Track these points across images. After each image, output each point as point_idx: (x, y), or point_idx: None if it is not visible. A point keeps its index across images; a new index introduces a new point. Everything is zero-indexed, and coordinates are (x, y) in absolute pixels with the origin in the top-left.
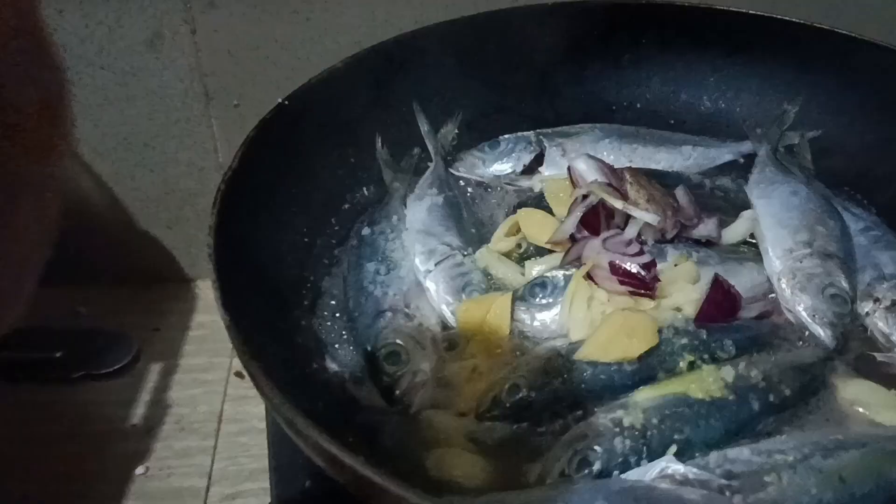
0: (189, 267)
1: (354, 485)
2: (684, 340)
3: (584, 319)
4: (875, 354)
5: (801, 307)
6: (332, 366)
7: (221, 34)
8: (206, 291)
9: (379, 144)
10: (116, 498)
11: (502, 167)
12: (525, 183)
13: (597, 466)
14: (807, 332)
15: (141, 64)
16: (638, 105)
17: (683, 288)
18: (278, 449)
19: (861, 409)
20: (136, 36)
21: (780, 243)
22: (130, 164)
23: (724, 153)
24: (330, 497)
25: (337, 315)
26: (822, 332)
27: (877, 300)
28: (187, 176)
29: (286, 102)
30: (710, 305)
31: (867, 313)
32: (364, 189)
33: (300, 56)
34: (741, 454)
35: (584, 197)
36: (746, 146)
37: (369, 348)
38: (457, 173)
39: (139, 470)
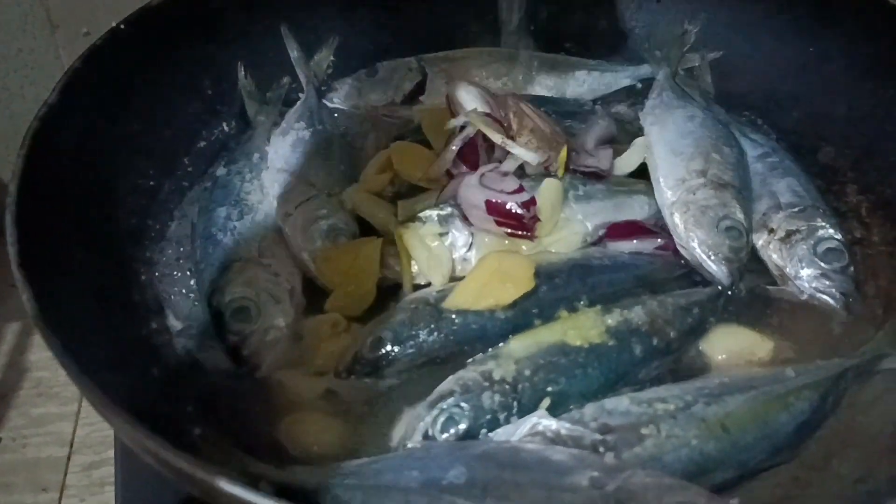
0: None
1: (170, 473)
2: (563, 284)
3: (428, 260)
4: (768, 287)
5: (696, 243)
6: (175, 324)
7: None
8: None
9: (241, 73)
10: None
11: (381, 96)
12: (405, 113)
13: (463, 426)
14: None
15: None
16: (531, 26)
17: (566, 226)
18: None
19: (734, 356)
20: None
21: (672, 173)
22: None
23: (621, 78)
24: None
25: (182, 266)
26: (718, 269)
27: (772, 231)
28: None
29: (122, 27)
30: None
31: (762, 245)
32: (223, 124)
33: None
34: (620, 405)
35: (462, 128)
36: (645, 70)
37: (214, 304)
38: (331, 104)
39: None
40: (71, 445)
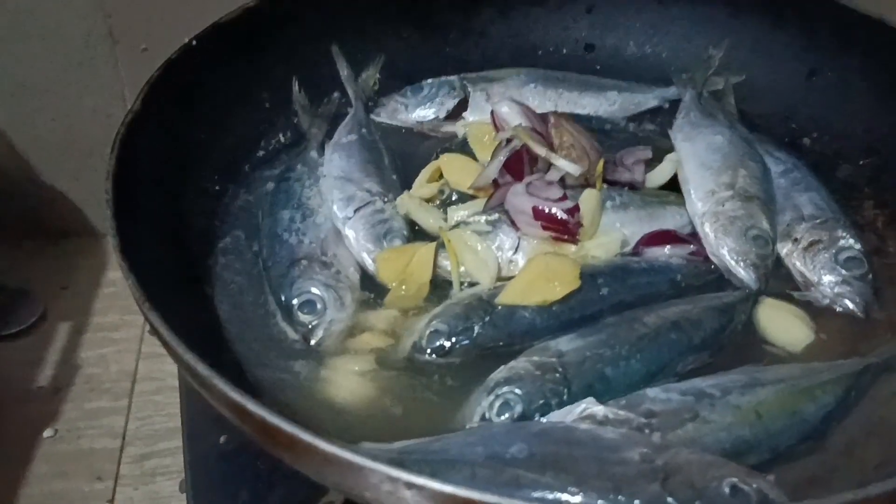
0: (99, 221)
1: (264, 436)
2: (605, 284)
3: (475, 262)
4: (793, 293)
5: (725, 250)
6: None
7: None
8: None
9: (296, 88)
10: (22, 462)
11: (425, 112)
12: (449, 128)
13: (518, 410)
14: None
15: (34, 3)
16: (564, 50)
17: (605, 233)
18: (191, 404)
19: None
20: None
21: (702, 185)
22: (29, 110)
23: (650, 98)
24: (244, 450)
25: (249, 265)
26: (746, 274)
27: (795, 240)
28: (93, 124)
29: (194, 43)
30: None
31: (786, 254)
32: (280, 135)
33: None
34: (661, 394)
35: (508, 141)
36: (672, 91)
37: (283, 298)
38: (378, 119)
39: (47, 433)
40: (123, 438)
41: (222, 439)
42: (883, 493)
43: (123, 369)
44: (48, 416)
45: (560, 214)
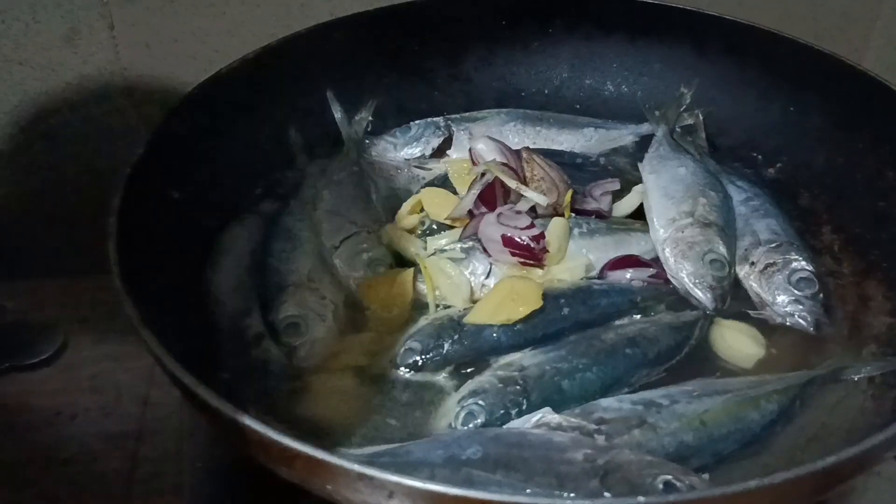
0: None
1: (263, 451)
2: (567, 304)
3: (449, 286)
4: (750, 312)
5: (684, 273)
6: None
7: (139, 28)
8: None
9: (292, 131)
10: (40, 484)
11: (412, 151)
12: (434, 165)
13: (480, 419)
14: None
15: (59, 59)
16: (546, 91)
17: (572, 258)
18: (194, 427)
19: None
20: (53, 31)
21: (664, 213)
22: (57, 158)
23: (625, 134)
24: (244, 469)
25: (242, 293)
26: (703, 296)
27: (752, 263)
28: (112, 170)
29: (196, 91)
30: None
31: (744, 276)
32: (277, 174)
33: (218, 48)
34: (614, 403)
35: (482, 175)
36: (645, 127)
37: (271, 321)
38: (369, 158)
39: (65, 455)
40: (134, 459)
41: (223, 459)
42: (787, 481)
43: (136, 395)
44: (65, 441)
45: (526, 241)
